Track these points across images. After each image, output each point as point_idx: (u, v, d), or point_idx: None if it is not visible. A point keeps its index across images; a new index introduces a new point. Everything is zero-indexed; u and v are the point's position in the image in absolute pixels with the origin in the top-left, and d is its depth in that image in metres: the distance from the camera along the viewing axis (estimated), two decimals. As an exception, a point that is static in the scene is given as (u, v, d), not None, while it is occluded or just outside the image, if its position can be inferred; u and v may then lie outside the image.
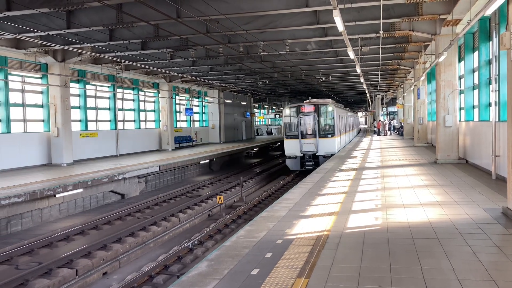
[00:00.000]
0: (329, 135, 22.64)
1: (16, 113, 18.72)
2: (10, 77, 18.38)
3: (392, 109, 56.83)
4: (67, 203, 14.78)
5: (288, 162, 23.53)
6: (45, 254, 10.71)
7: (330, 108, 22.93)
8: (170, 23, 14.02)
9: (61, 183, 14.10)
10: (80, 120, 22.70)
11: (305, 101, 25.40)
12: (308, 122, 22.93)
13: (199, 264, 5.54)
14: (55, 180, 14.86)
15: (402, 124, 39.11)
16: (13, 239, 11.68)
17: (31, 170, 18.04)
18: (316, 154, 22.60)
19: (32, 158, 19.09)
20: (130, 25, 13.73)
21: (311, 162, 22.51)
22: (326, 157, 21.63)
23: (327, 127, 22.94)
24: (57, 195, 13.70)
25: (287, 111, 23.46)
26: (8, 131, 18.13)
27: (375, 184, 11.65)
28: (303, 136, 22.75)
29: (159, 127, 30.14)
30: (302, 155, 22.82)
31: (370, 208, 8.63)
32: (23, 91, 19.04)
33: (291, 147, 22.92)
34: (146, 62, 22.11)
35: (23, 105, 19.05)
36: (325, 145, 22.51)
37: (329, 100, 25.53)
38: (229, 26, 14.53)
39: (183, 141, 32.39)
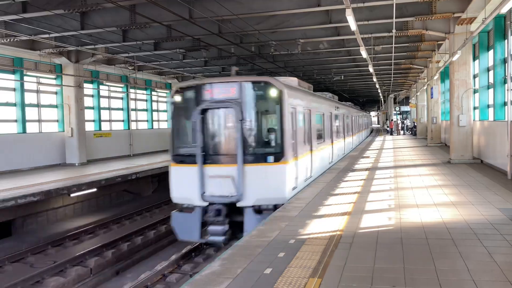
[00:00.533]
0: (271, 158, 9.78)
1: (31, 113, 18.98)
2: (25, 78, 18.65)
3: (405, 108, 56.35)
4: (81, 202, 14.94)
5: (174, 220, 10.15)
6: (59, 253, 10.85)
7: (273, 93, 9.93)
8: (183, 23, 14.09)
9: (75, 182, 14.26)
10: (94, 120, 22.93)
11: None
12: (222, 123, 10.33)
13: (213, 263, 5.57)
14: (69, 179, 15.04)
15: (415, 124, 38.77)
16: (29, 237, 11.86)
17: (46, 169, 18.28)
18: (238, 205, 9.73)
19: (46, 158, 19.33)
20: (143, 26, 13.85)
21: (222, 227, 9.70)
22: (264, 212, 9.66)
23: (270, 136, 10.19)
24: (71, 195, 13.87)
25: (177, 97, 10.48)
26: (24, 131, 18.39)
27: (388, 184, 11.58)
28: (210, 158, 9.95)
29: (172, 127, 30.28)
30: (206, 204, 9.80)
31: (383, 208, 8.58)
32: (38, 91, 19.30)
33: (182, 184, 10.15)
34: (158, 63, 22.25)
35: (38, 105, 19.31)
36: (260, 183, 9.71)
37: (282, 78, 11.88)
38: (241, 26, 14.57)
39: (195, 141, 32.45)
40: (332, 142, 16.56)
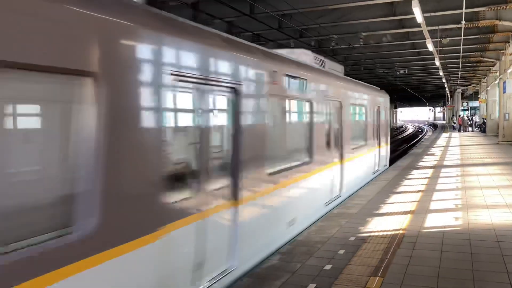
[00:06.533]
0: None
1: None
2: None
3: (473, 104, 53.43)
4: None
5: None
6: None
7: None
8: (244, 19, 14.24)
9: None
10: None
11: None
12: None
13: (272, 257, 5.61)
14: None
15: (485, 120, 36.66)
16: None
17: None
18: None
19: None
20: (206, 23, 14.14)
21: None
22: None
23: None
24: None
25: None
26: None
27: (454, 183, 11.06)
28: None
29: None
30: None
31: (450, 207, 8.21)
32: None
33: None
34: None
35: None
36: None
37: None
38: (302, 21, 14.47)
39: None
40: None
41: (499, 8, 13.56)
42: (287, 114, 6.97)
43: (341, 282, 4.68)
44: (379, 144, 13.58)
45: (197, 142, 4.18)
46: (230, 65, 4.83)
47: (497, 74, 27.12)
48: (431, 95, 64.13)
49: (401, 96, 63.70)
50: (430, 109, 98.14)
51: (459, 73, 33.22)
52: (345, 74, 11.29)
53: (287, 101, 6.74)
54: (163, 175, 3.59)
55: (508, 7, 13.25)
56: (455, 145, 24.03)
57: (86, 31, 2.86)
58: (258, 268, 5.20)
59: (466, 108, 53.76)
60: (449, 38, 18.12)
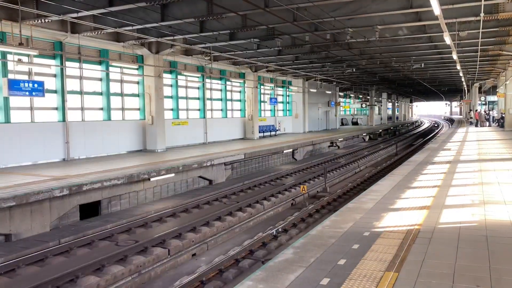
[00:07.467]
0: None
1: (115, 102, 20.19)
2: (110, 69, 19.85)
3: (491, 98, 52.52)
4: (160, 187, 15.70)
5: None
6: (141, 233, 11.51)
7: None
8: (258, 13, 14.17)
9: (155, 168, 15.00)
10: (172, 109, 23.89)
11: None
12: None
13: (285, 251, 5.60)
14: (149, 165, 15.85)
15: (503, 115, 36.02)
16: (113, 218, 12.71)
17: (128, 155, 19.41)
18: None
19: (128, 144, 20.52)
20: (220, 17, 14.11)
21: None
22: None
23: None
24: (152, 179, 14.60)
25: None
26: (109, 118, 19.64)
27: (471, 178, 10.89)
28: None
29: (244, 116, 30.75)
30: None
31: (466, 203, 8.09)
32: (121, 81, 20.46)
33: None
34: (233, 53, 22.59)
35: (121, 94, 20.48)
36: None
37: None
38: (317, 14, 14.34)
39: (267, 130, 32.77)
40: None
41: (519, 0, 13.25)
42: None
43: (355, 277, 4.65)
44: None
45: None
46: None
47: (516, 67, 26.57)
48: (447, 89, 63.09)
49: (417, 90, 62.88)
50: (446, 104, 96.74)
51: (477, 66, 32.61)
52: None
53: None
54: None
55: (528, -1, 12.94)
56: (472, 140, 23.67)
57: None
58: (271, 262, 5.20)
59: (484, 102, 52.84)
60: (467, 31, 17.75)
